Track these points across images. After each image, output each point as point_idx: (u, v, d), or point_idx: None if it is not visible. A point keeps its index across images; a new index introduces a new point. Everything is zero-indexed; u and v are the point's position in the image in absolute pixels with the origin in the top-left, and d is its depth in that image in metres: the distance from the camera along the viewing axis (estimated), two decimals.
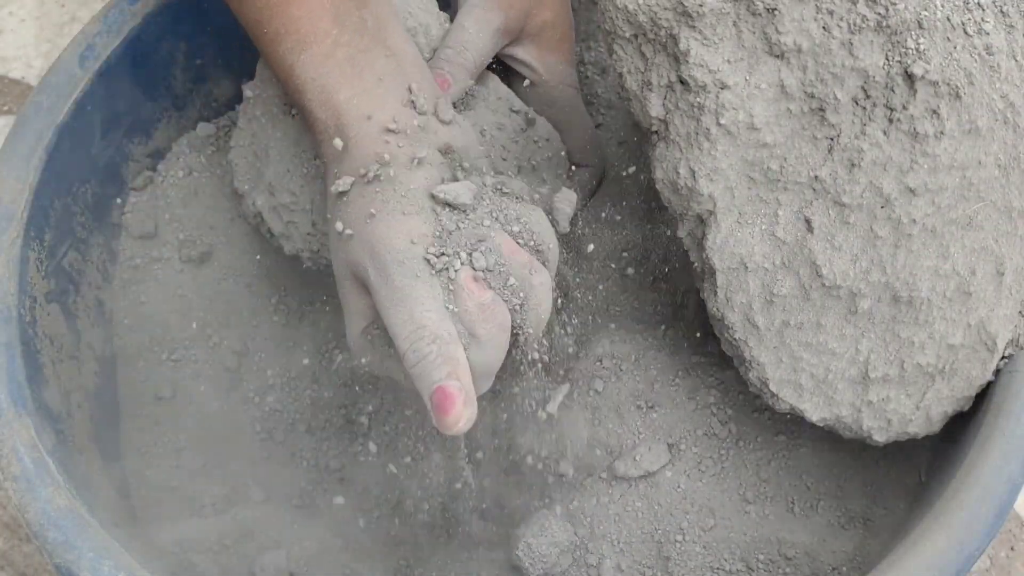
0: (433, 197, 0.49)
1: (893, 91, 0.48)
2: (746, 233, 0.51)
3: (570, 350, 0.59)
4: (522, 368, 0.52)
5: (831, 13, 0.48)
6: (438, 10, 0.61)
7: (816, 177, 0.50)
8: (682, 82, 0.50)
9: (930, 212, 0.49)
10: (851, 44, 0.48)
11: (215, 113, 0.71)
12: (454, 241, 0.48)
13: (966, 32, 0.47)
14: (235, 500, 0.61)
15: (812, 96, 0.49)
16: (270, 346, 0.65)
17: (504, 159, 0.61)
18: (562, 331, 0.57)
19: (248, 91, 0.60)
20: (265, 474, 0.62)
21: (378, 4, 0.54)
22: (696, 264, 0.54)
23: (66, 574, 0.48)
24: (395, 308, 0.47)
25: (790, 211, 0.51)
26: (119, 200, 0.67)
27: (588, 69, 0.73)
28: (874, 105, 0.48)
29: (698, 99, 0.50)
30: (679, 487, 0.58)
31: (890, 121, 0.48)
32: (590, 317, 0.63)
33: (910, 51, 0.47)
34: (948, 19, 0.47)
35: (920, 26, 0.47)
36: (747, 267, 0.51)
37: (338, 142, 0.51)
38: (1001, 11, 0.48)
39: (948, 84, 0.47)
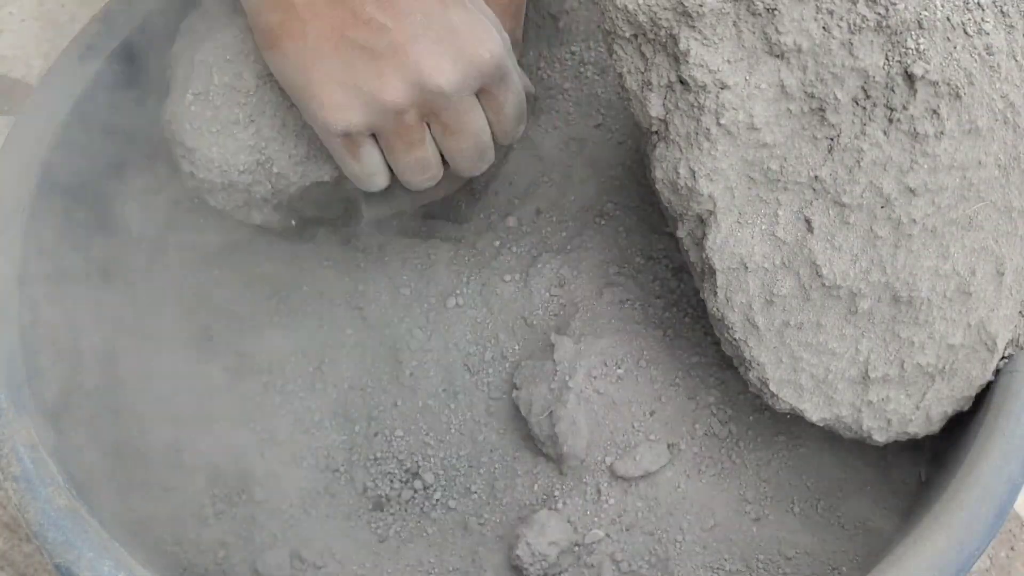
0: None
1: (893, 91, 0.48)
2: (746, 233, 0.51)
3: None
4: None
5: (831, 13, 0.48)
6: None
7: (816, 177, 0.50)
8: (682, 82, 0.50)
9: (930, 212, 0.49)
10: (851, 44, 0.48)
11: None
12: None
13: (966, 32, 0.47)
14: (235, 500, 0.61)
15: (812, 96, 0.49)
16: (270, 346, 0.65)
17: None
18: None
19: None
20: (265, 474, 0.62)
21: None
22: (696, 264, 0.54)
23: (66, 574, 0.48)
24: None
25: (790, 211, 0.51)
26: (119, 200, 0.67)
27: (588, 69, 0.73)
28: (874, 105, 0.48)
29: (698, 99, 0.50)
30: (679, 487, 0.58)
31: (890, 121, 0.48)
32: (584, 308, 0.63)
33: (910, 51, 0.47)
34: (948, 19, 0.47)
35: (920, 26, 0.47)
36: (747, 267, 0.51)
37: None
38: (1001, 11, 0.49)
39: (948, 84, 0.47)
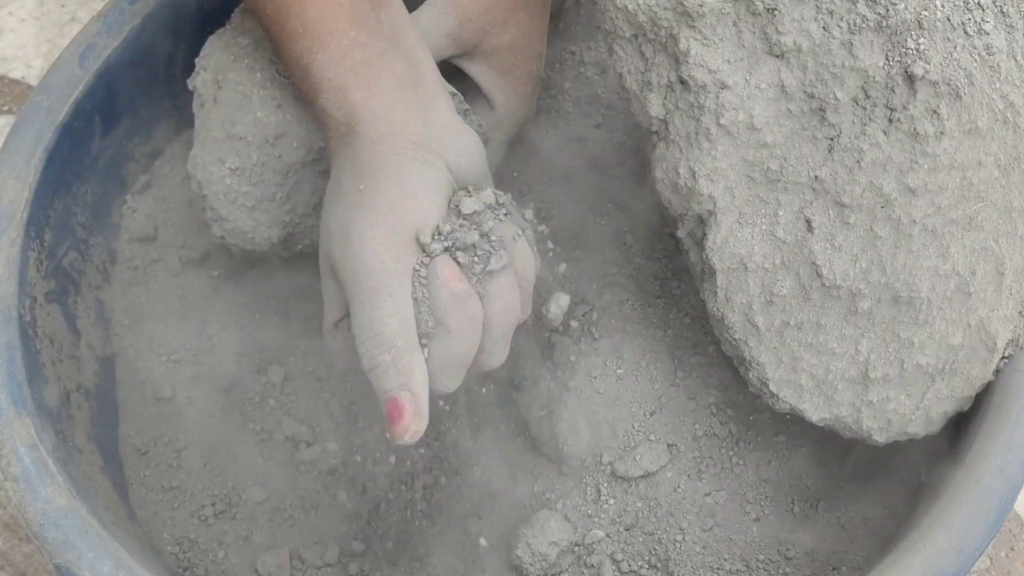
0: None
1: (893, 91, 0.48)
2: (746, 233, 0.51)
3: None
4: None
5: (831, 13, 0.48)
6: None
7: (816, 177, 0.50)
8: (682, 82, 0.50)
9: (930, 212, 0.49)
10: (851, 44, 0.48)
11: None
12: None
13: (966, 32, 0.47)
14: (235, 500, 0.61)
15: (812, 96, 0.49)
16: (270, 346, 0.65)
17: None
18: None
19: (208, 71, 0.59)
20: (265, 474, 0.62)
21: (392, 7, 0.54)
22: (696, 264, 0.54)
23: (66, 574, 0.48)
24: (357, 309, 0.47)
25: (790, 211, 0.51)
26: (119, 200, 0.67)
27: (588, 69, 0.73)
28: (874, 105, 0.48)
29: (698, 99, 0.50)
30: (679, 487, 0.58)
31: (890, 121, 0.48)
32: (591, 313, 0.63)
33: (910, 51, 0.47)
34: (948, 19, 0.47)
35: (920, 26, 0.47)
36: (747, 267, 0.51)
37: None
38: (1001, 11, 0.49)
39: (948, 84, 0.47)
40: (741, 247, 0.51)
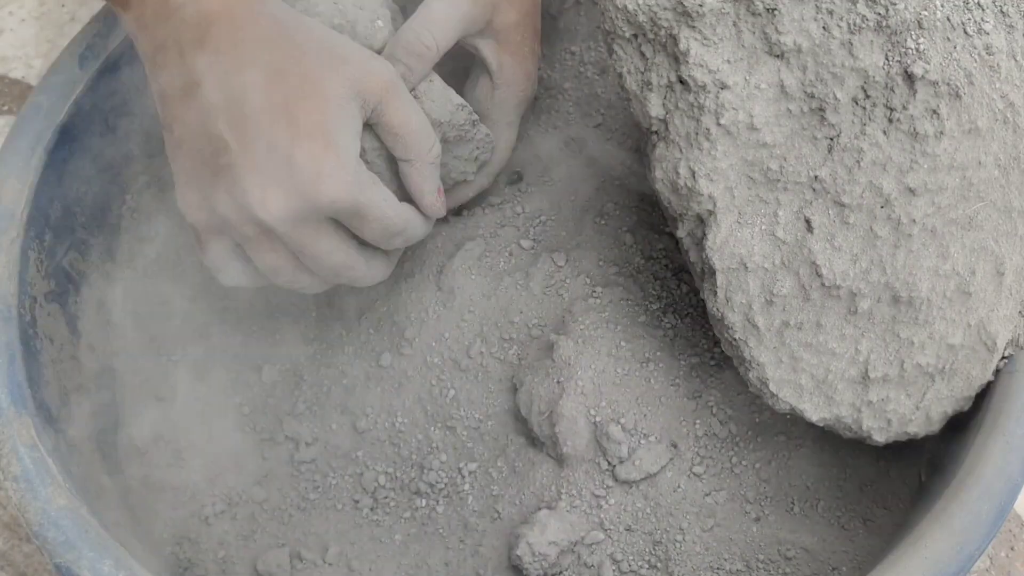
0: None
1: (893, 91, 0.48)
2: (746, 233, 0.51)
3: None
4: None
5: (831, 13, 0.48)
6: (379, 3, 0.60)
7: (816, 177, 0.50)
8: (682, 82, 0.50)
9: (930, 212, 0.49)
10: (851, 44, 0.48)
11: None
12: None
13: (966, 32, 0.48)
14: (235, 500, 0.61)
15: (812, 96, 0.49)
16: (270, 346, 0.65)
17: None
18: None
19: None
20: (265, 474, 0.62)
21: None
22: (696, 264, 0.54)
23: (66, 574, 0.48)
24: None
25: (790, 211, 0.51)
26: (119, 200, 0.67)
27: (588, 69, 0.73)
28: (874, 105, 0.48)
29: (698, 99, 0.50)
30: (679, 487, 0.58)
31: (890, 121, 0.48)
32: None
33: (910, 51, 0.47)
34: (948, 19, 0.47)
35: (920, 26, 0.47)
36: (747, 267, 0.51)
37: None
38: (1001, 11, 0.49)
39: (948, 84, 0.47)
40: (741, 247, 0.51)
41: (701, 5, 0.48)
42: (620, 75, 0.53)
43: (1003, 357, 0.53)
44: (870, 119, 0.48)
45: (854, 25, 0.47)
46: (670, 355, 0.60)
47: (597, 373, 0.59)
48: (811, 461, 0.59)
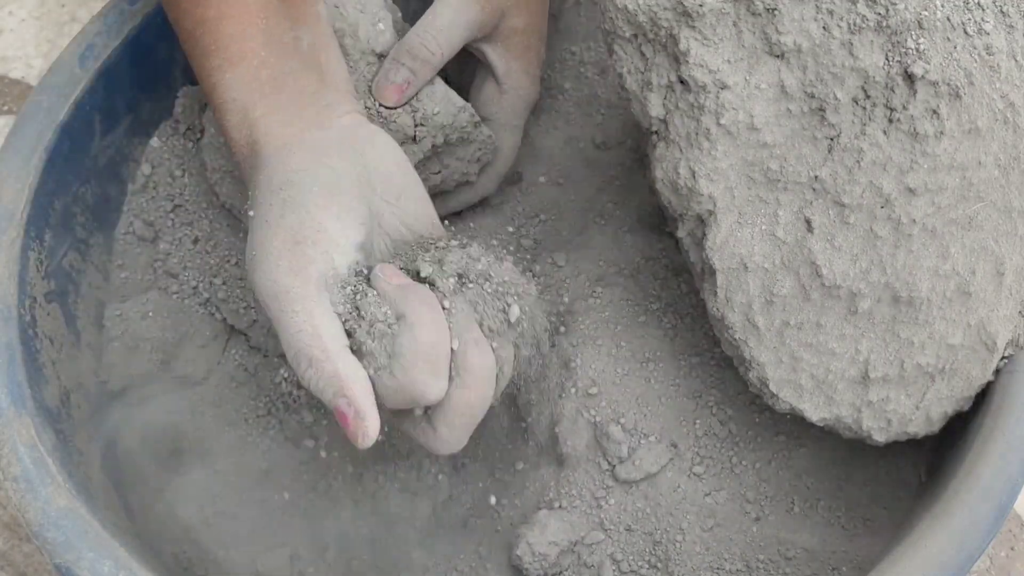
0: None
1: (893, 91, 0.48)
2: (746, 233, 0.51)
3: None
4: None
5: (831, 13, 0.48)
6: (380, 6, 0.60)
7: (816, 177, 0.50)
8: (682, 82, 0.50)
9: (930, 212, 0.49)
10: (851, 44, 0.48)
11: None
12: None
13: (966, 32, 0.47)
14: (235, 500, 0.61)
15: (812, 96, 0.49)
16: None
17: (440, 150, 0.61)
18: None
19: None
20: (266, 474, 0.62)
21: (314, 22, 0.53)
22: (696, 264, 0.54)
23: (66, 574, 0.48)
24: (278, 334, 0.47)
25: (790, 211, 0.51)
26: (119, 200, 0.67)
27: (588, 69, 0.73)
28: (874, 105, 0.48)
29: (698, 99, 0.50)
30: (679, 487, 0.58)
31: (890, 121, 0.48)
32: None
33: (910, 51, 0.47)
34: (948, 19, 0.47)
35: (920, 26, 0.47)
36: (747, 267, 0.51)
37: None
38: (1001, 11, 0.49)
39: (948, 84, 0.47)
40: (741, 247, 0.51)
41: (701, 5, 0.48)
42: (620, 75, 0.53)
43: (1003, 357, 0.53)
44: (870, 119, 0.48)
45: (854, 25, 0.47)
46: (670, 355, 0.60)
47: (597, 373, 0.59)
48: (811, 461, 0.59)
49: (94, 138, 0.63)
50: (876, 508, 0.58)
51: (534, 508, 0.58)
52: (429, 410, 0.48)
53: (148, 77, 0.66)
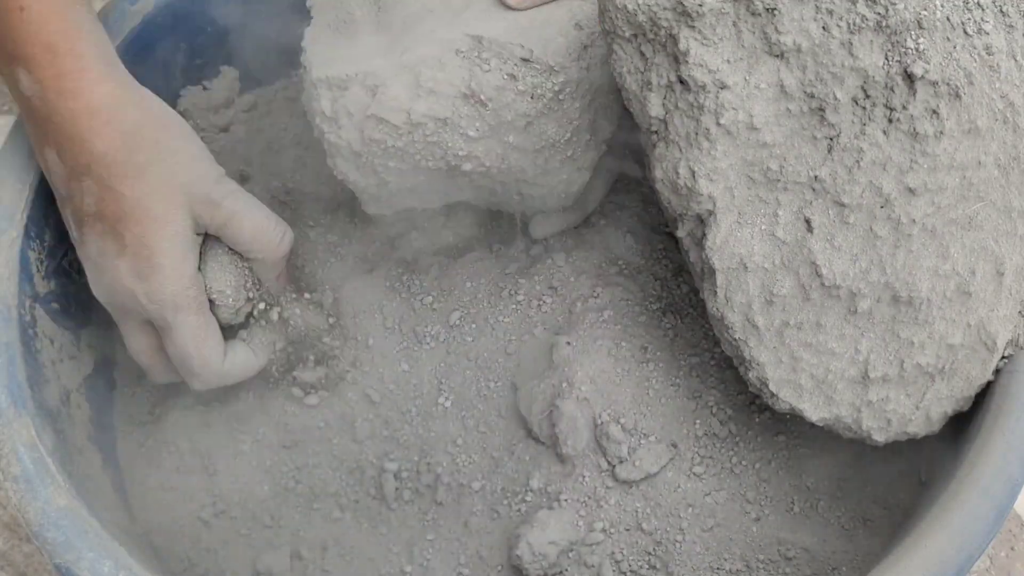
0: None
1: (893, 91, 0.48)
2: (746, 233, 0.51)
3: None
4: None
5: (831, 13, 0.48)
6: None
7: (816, 177, 0.50)
8: (682, 82, 0.50)
9: (930, 212, 0.49)
10: (851, 44, 0.48)
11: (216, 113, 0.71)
12: None
13: (966, 32, 0.48)
14: (235, 500, 0.61)
15: (812, 96, 0.49)
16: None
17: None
18: None
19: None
20: (265, 474, 0.62)
21: None
22: (696, 264, 0.54)
23: (66, 574, 0.48)
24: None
25: (790, 211, 0.51)
26: None
27: None
28: (874, 105, 0.48)
29: (698, 99, 0.50)
30: (679, 487, 0.58)
31: (890, 121, 0.48)
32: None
33: (910, 51, 0.47)
34: (948, 19, 0.47)
35: (920, 26, 0.47)
36: (747, 267, 0.51)
37: None
38: (1001, 11, 0.49)
39: (948, 84, 0.47)
40: (741, 247, 0.51)
41: (701, 5, 0.48)
42: (620, 75, 0.53)
43: (1003, 357, 0.53)
44: (870, 119, 0.48)
45: (854, 25, 0.47)
46: (670, 355, 0.60)
47: (597, 373, 0.59)
48: (811, 461, 0.59)
49: None
50: (876, 508, 0.58)
51: (534, 508, 0.58)
52: None
53: (148, 77, 0.66)
